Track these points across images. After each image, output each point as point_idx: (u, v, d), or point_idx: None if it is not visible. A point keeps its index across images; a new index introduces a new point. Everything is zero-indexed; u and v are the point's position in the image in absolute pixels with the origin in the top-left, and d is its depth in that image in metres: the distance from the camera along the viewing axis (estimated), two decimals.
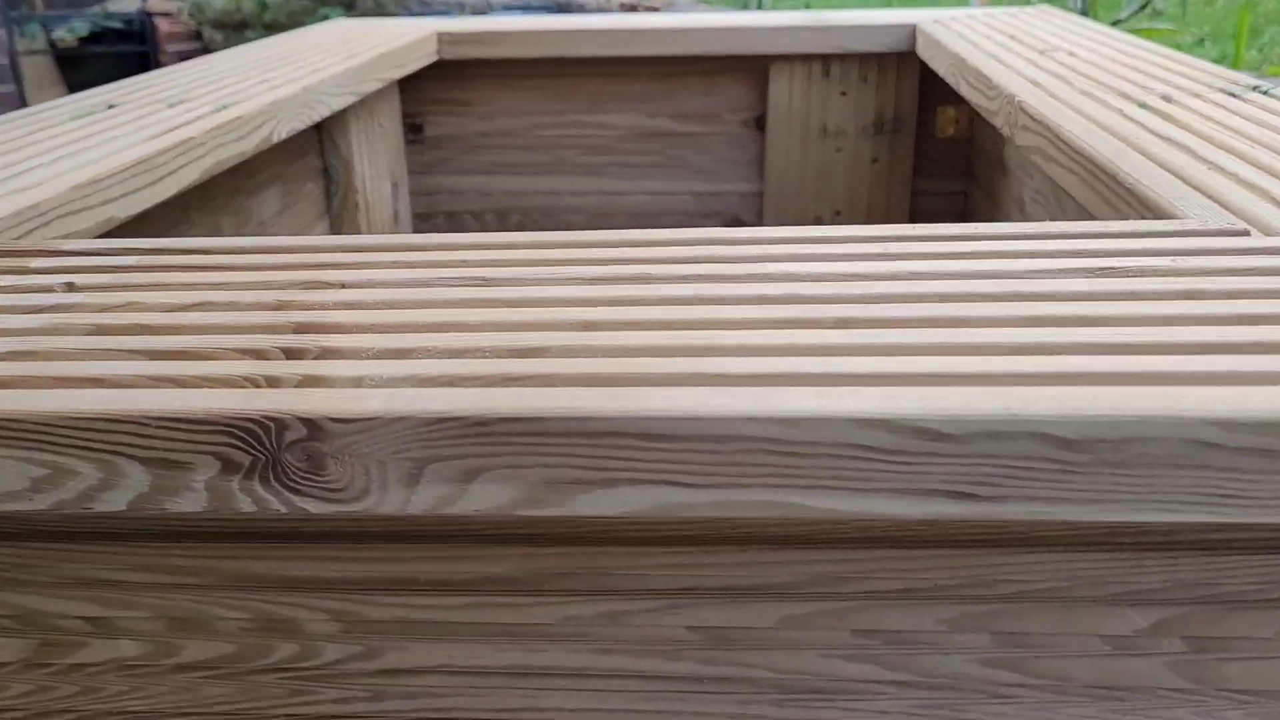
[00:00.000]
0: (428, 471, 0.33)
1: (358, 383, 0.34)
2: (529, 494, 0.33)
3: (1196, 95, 0.73)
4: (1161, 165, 0.54)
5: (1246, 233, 0.44)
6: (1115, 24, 1.92)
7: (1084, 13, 1.93)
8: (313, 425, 0.32)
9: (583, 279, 0.41)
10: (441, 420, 0.32)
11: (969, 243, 0.43)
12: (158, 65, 4.25)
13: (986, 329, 0.36)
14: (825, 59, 1.28)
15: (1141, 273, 0.40)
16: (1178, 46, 2.22)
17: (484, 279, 0.42)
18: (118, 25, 4.29)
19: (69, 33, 4.20)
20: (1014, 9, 1.34)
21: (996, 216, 1.18)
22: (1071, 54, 0.95)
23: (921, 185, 1.35)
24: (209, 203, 0.95)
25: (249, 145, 0.84)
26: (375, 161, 1.23)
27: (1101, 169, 0.56)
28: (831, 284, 0.40)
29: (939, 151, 1.35)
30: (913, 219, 1.36)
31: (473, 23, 1.34)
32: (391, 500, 0.33)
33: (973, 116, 1.31)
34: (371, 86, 1.11)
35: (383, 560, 0.39)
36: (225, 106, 0.85)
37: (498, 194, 1.41)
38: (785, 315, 0.37)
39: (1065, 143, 0.62)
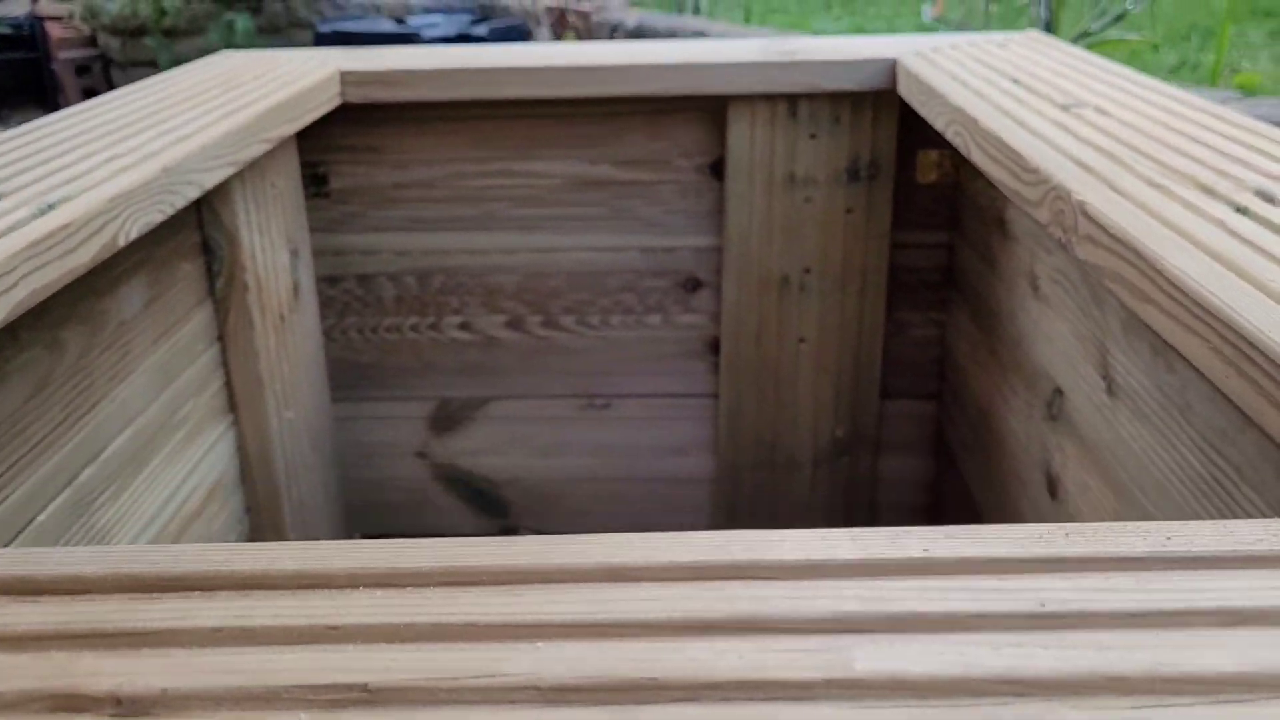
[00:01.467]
0: None
1: None
2: None
3: None
4: None
5: None
6: (1085, 35, 1.78)
7: (1049, 25, 1.79)
8: None
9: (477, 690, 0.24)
10: None
11: (1152, 636, 0.26)
12: (49, 73, 3.96)
13: None
14: (791, 98, 1.12)
15: None
16: (1143, 57, 2.10)
17: (368, 690, 0.24)
18: (5, 30, 3.99)
19: None
20: (999, 36, 1.18)
21: (999, 290, 1.02)
22: (1100, 110, 0.79)
23: (901, 237, 1.19)
24: (46, 314, 0.75)
25: (83, 258, 0.65)
26: (268, 229, 1.03)
27: (1257, 346, 0.39)
28: None
29: (920, 199, 1.18)
30: (892, 275, 1.20)
31: (380, 59, 1.15)
32: None
33: (959, 161, 1.15)
34: (258, 150, 0.92)
35: None
36: (52, 206, 0.66)
37: (417, 253, 1.22)
38: None
39: (1175, 284, 0.46)
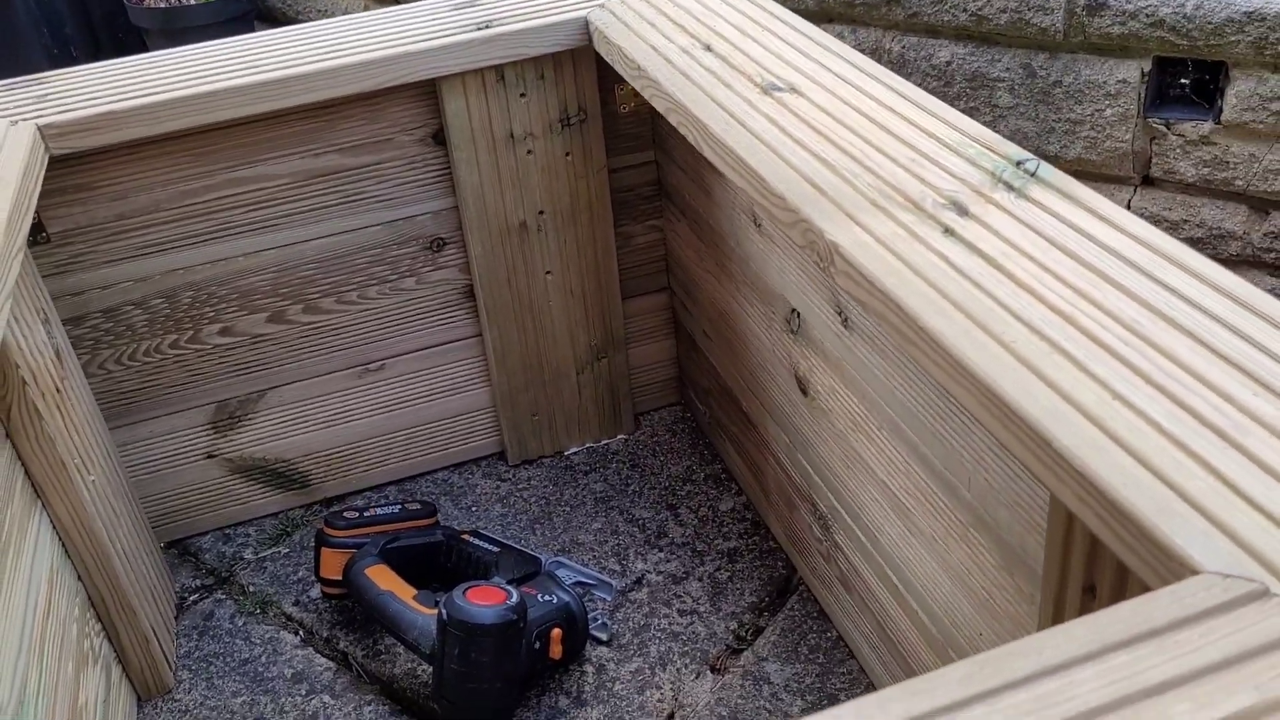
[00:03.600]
0: None
1: None
2: None
3: (979, 194, 0.76)
4: (1072, 403, 0.57)
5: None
6: None
7: None
8: None
9: None
10: None
11: None
12: None
13: None
14: (498, 67, 1.19)
15: None
16: None
17: None
18: None
19: None
20: None
21: (718, 215, 1.17)
22: (795, 91, 0.94)
23: (613, 162, 1.32)
24: None
25: None
26: (22, 315, 1.01)
27: (1015, 411, 0.58)
28: None
29: (625, 126, 1.31)
30: (614, 196, 1.33)
31: (77, 96, 1.10)
32: None
33: None
34: (15, 275, 0.90)
35: None
36: None
37: (158, 276, 1.22)
38: None
39: (938, 344, 0.63)
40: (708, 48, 1.05)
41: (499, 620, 1.04)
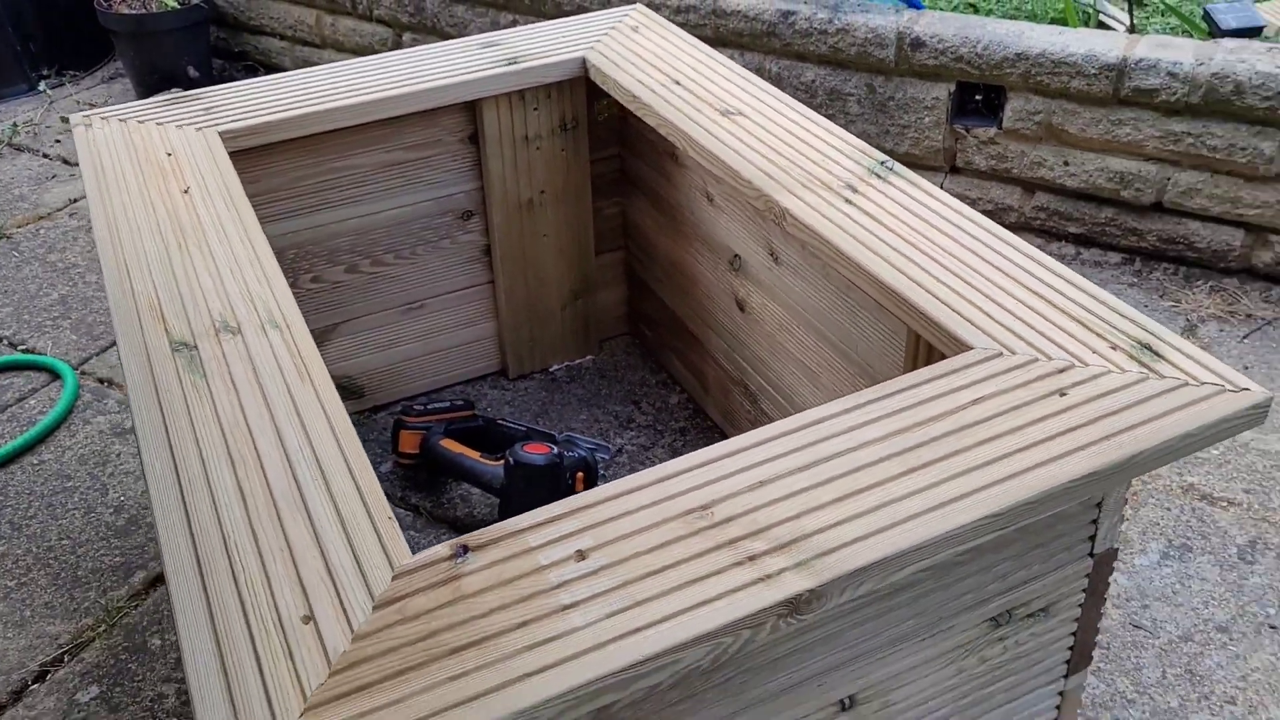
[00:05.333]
0: None
1: None
2: None
3: (863, 180, 1.33)
4: (917, 283, 1.14)
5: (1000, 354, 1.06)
6: None
7: None
8: None
9: None
10: None
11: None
12: None
13: None
14: (521, 91, 1.70)
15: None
16: None
17: None
18: None
19: None
20: (629, 19, 1.82)
21: (675, 194, 1.72)
22: (743, 115, 1.50)
23: (591, 156, 1.85)
24: None
25: None
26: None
27: (895, 290, 1.15)
28: None
29: (600, 130, 1.84)
30: (593, 181, 1.86)
31: (236, 109, 1.56)
32: None
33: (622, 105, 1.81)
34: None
35: None
36: None
37: (274, 238, 1.69)
38: None
39: (850, 260, 1.20)
40: (677, 83, 1.59)
41: (549, 462, 1.57)
